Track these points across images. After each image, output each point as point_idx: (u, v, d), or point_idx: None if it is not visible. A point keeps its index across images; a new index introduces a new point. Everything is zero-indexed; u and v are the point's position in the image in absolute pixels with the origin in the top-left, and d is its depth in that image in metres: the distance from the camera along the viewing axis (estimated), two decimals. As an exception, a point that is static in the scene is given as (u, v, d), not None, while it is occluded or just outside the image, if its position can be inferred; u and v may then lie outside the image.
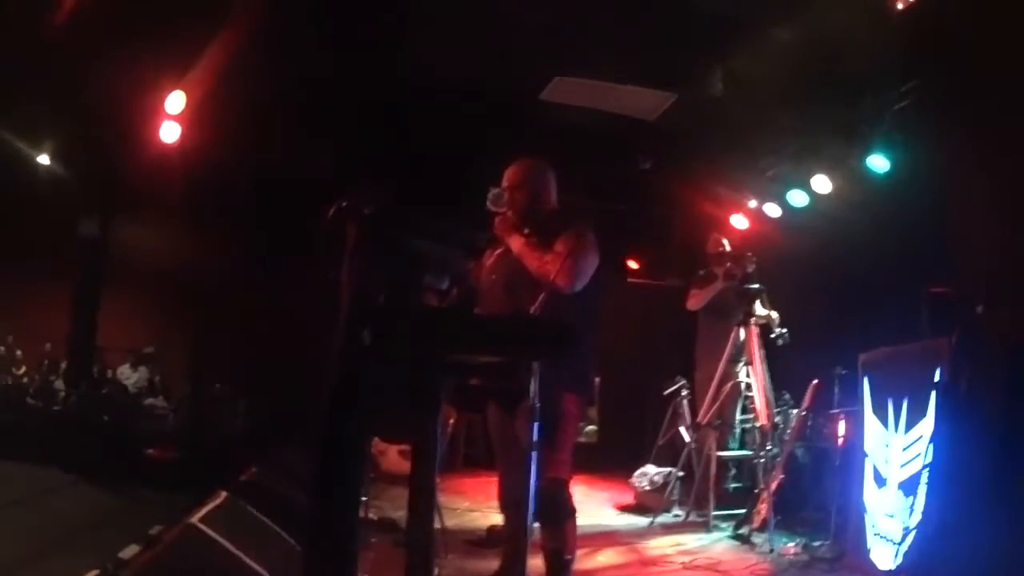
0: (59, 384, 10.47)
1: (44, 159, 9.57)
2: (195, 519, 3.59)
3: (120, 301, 10.62)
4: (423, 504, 2.49)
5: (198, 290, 10.08)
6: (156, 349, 10.31)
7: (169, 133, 8.03)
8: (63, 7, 6.78)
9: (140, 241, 10.85)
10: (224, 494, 4.21)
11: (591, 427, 11.23)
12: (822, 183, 8.23)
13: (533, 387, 3.16)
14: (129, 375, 9.98)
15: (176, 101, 7.82)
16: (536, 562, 4.09)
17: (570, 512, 4.14)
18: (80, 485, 6.08)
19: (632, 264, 11.80)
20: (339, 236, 2.74)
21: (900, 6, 5.17)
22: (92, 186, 9.56)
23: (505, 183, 4.34)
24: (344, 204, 2.76)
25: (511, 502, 4.23)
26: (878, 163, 7.38)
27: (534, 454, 3.17)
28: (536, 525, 3.95)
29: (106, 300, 10.54)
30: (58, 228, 10.42)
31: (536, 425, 3.18)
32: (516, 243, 4.17)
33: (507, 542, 4.38)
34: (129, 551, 3.58)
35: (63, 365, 10.80)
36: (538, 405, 3.17)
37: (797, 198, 8.78)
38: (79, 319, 10.28)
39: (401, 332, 2.37)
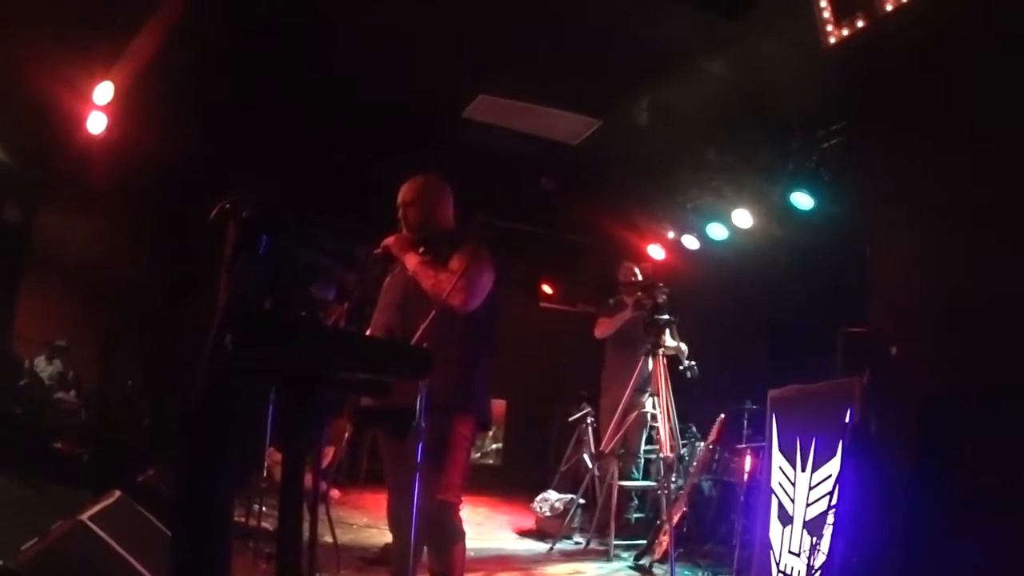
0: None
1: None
2: (85, 516, 3.54)
3: (39, 291, 10.22)
4: (292, 515, 2.33)
5: (115, 285, 9.78)
6: (69, 342, 9.87)
7: (96, 124, 7.70)
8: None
9: (62, 231, 10.46)
10: (117, 494, 4.11)
11: (495, 446, 11.13)
12: (743, 217, 8.24)
13: (419, 407, 3.13)
14: (44, 368, 9.51)
15: (104, 91, 7.49)
16: (425, 584, 3.95)
17: (458, 535, 3.94)
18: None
19: (547, 289, 11.73)
20: (221, 237, 2.65)
21: (832, 40, 5.10)
22: (18, 170, 9.17)
23: (399, 199, 4.20)
24: (226, 205, 2.67)
25: (397, 522, 4.04)
26: (802, 200, 7.40)
27: (419, 475, 3.15)
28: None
29: (25, 289, 10.17)
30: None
31: (421, 446, 3.15)
32: (411, 261, 3.99)
33: (395, 562, 4.18)
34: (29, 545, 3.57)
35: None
36: (424, 426, 3.16)
37: (716, 231, 8.79)
38: (-3, 306, 9.90)
39: (260, 340, 2.21)
